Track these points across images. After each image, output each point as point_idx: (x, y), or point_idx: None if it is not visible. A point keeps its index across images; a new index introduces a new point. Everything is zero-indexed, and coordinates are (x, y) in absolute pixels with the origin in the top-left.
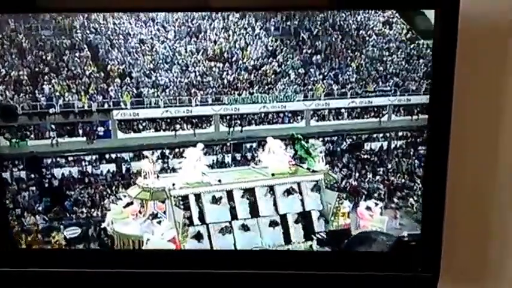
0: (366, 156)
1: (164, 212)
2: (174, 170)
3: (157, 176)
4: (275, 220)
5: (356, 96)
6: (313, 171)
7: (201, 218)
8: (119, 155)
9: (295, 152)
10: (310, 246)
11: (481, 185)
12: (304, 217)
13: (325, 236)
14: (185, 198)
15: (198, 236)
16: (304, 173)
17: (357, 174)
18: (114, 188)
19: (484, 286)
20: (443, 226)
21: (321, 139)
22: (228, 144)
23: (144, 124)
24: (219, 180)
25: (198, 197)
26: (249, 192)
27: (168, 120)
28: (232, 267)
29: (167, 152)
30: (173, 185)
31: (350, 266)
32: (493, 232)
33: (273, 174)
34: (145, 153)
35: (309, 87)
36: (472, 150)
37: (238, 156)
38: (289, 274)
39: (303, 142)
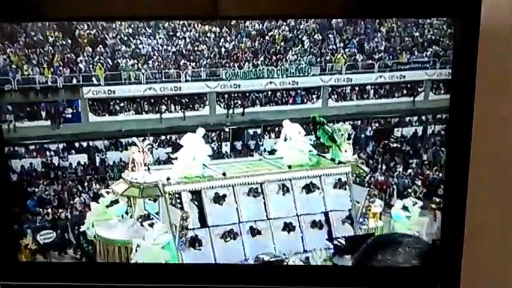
0: (395, 145)
1: (157, 213)
2: (169, 161)
3: (148, 169)
4: (290, 223)
5: (385, 69)
6: (339, 162)
7: (202, 219)
8: (91, 143)
9: (317, 138)
10: (333, 254)
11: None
12: (326, 219)
13: (345, 243)
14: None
15: (196, 242)
16: (327, 164)
17: (384, 167)
18: (86, 184)
19: None
20: (463, 242)
21: (348, 123)
22: (227, 130)
23: (122, 105)
24: (224, 174)
25: (197, 194)
26: (259, 189)
27: (152, 99)
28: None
29: (151, 139)
30: (168, 179)
31: (364, 280)
32: None
33: (289, 167)
34: (134, 140)
35: (327, 58)
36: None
37: (238, 145)
38: None
39: (326, 127)
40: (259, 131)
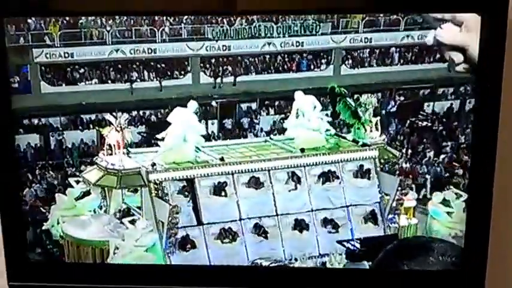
0: (425, 124)
1: (139, 207)
2: (154, 142)
3: (128, 152)
4: (303, 220)
5: (414, 26)
6: (363, 144)
7: (195, 215)
8: (44, 120)
9: (336, 114)
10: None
11: None
12: (345, 216)
13: (360, 246)
14: (171, 184)
15: (187, 243)
16: (349, 147)
17: (410, 152)
18: (38, 171)
19: None
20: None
21: (374, 96)
22: (214, 104)
23: (81, 71)
24: (221, 159)
25: (189, 183)
26: (265, 177)
27: (120, 65)
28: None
29: (124, 117)
30: (153, 165)
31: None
32: None
33: (302, 150)
34: (107, 117)
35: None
36: None
37: (228, 123)
38: None
39: (348, 100)
40: (254, 105)
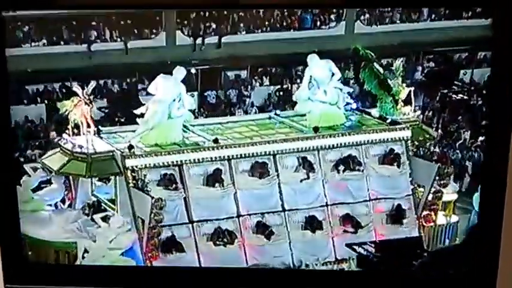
0: (460, 96)
1: (112, 200)
2: (130, 119)
3: (99, 131)
4: (316, 218)
5: None
6: (393, 122)
7: (183, 211)
8: None
9: (360, 83)
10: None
11: None
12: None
13: (375, 251)
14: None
15: (173, 246)
16: (374, 126)
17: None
18: None
19: None
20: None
21: (400, 60)
22: (193, 71)
23: (25, 29)
24: (215, 141)
25: (176, 171)
26: (269, 164)
27: (74, 21)
28: None
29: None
30: (130, 148)
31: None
32: None
33: (316, 129)
34: (74, 88)
35: None
36: None
37: (212, 96)
38: None
39: (376, 65)
40: (244, 73)
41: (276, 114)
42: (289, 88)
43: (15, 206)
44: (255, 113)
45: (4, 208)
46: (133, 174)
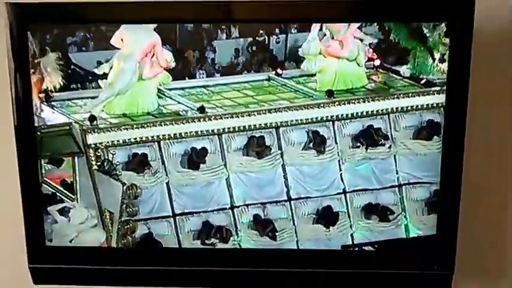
0: None
1: (69, 188)
2: (91, 78)
3: (48, 98)
4: (330, 208)
5: None
6: (427, 83)
7: (162, 201)
8: None
9: (385, 31)
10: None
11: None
12: (399, 199)
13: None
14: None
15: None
16: (404, 88)
17: None
18: None
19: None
20: (458, 221)
21: None
22: None
23: None
24: (201, 109)
25: (152, 149)
26: (271, 139)
27: None
28: None
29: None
30: (92, 120)
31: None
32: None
33: (329, 93)
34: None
35: None
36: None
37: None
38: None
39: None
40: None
41: (276, 74)
42: (267, 41)
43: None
44: (220, 75)
45: None
46: (97, 153)
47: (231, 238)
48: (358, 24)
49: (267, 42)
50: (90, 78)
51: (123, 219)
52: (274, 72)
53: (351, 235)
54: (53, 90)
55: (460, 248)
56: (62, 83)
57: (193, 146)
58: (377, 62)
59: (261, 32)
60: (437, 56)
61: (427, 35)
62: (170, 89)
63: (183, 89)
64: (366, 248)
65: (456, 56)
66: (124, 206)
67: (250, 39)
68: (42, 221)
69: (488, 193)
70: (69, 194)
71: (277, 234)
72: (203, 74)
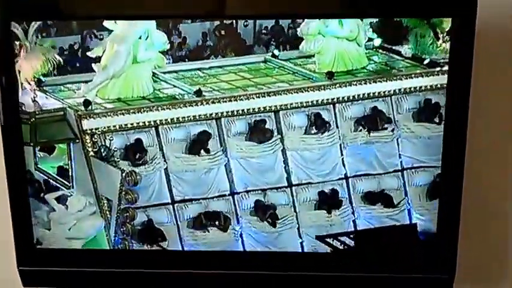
0: None
1: (64, 174)
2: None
3: (39, 83)
4: (333, 193)
5: None
6: (432, 64)
7: (160, 187)
8: None
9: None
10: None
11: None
12: (402, 185)
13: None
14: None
15: (150, 234)
16: (407, 69)
17: None
18: None
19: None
20: (459, 224)
21: None
22: None
23: None
24: (198, 93)
25: (149, 134)
26: (270, 123)
27: None
28: None
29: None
30: (87, 105)
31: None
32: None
33: (329, 75)
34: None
35: None
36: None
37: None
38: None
39: None
40: None
41: (273, 55)
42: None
43: None
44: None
45: None
46: (93, 139)
47: (230, 226)
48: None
49: (234, 26)
50: (82, 61)
51: (122, 206)
52: (270, 54)
53: (353, 221)
54: (45, 74)
55: (460, 251)
56: (52, 67)
57: (192, 131)
58: (377, 42)
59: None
60: (440, 34)
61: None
62: (165, 73)
63: (176, 72)
64: (341, 238)
65: (458, 36)
66: (123, 193)
67: (217, 22)
68: (31, 223)
69: (489, 191)
70: (65, 182)
71: (277, 221)
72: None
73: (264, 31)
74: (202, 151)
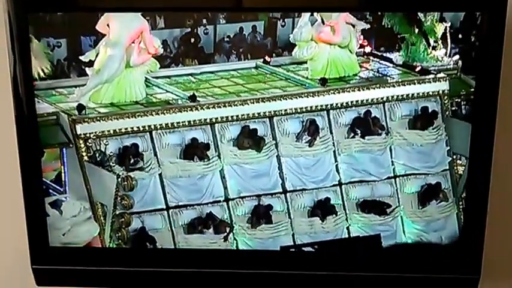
0: None
1: (58, 179)
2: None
3: (32, 86)
4: (327, 200)
5: None
6: (423, 71)
7: (155, 193)
8: None
9: (376, 16)
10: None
11: None
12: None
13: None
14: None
15: (144, 240)
16: (399, 76)
17: None
18: None
19: None
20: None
21: None
22: None
23: None
24: (192, 98)
25: (144, 139)
26: (265, 129)
27: None
28: None
29: None
30: (80, 109)
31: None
32: None
33: (323, 82)
34: None
35: None
36: None
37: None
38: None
39: None
40: None
41: (264, 62)
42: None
43: None
44: (236, 60)
45: None
46: (87, 144)
47: (226, 231)
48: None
49: (196, 32)
50: (74, 65)
51: (117, 212)
52: (262, 59)
53: (347, 228)
54: (36, 79)
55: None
56: (44, 71)
57: (186, 136)
58: (368, 49)
59: (189, 22)
60: (432, 42)
61: (422, 20)
62: (156, 78)
63: (168, 77)
64: (305, 248)
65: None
66: (118, 198)
67: (178, 30)
68: (46, 221)
69: None
70: (57, 187)
71: (271, 225)
72: None
73: (226, 39)
74: (196, 157)
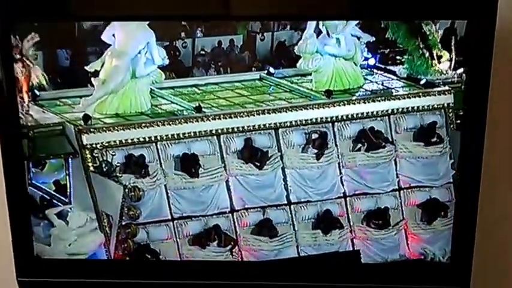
0: None
1: (62, 190)
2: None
3: (35, 97)
4: (330, 213)
5: None
6: (428, 85)
7: (159, 204)
8: None
9: (379, 28)
10: None
11: None
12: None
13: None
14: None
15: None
16: (404, 89)
17: None
18: None
19: None
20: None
21: None
22: None
23: None
24: (198, 109)
25: (149, 150)
26: (270, 141)
27: None
28: None
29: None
30: (86, 120)
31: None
32: None
33: (328, 93)
34: None
35: None
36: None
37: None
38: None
39: None
40: None
41: (268, 73)
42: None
43: None
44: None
45: None
46: (93, 154)
47: (231, 243)
48: (355, 22)
49: (174, 45)
50: (80, 76)
51: (123, 222)
52: (265, 71)
53: (351, 240)
54: (40, 88)
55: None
56: (48, 82)
57: (189, 148)
58: (372, 62)
59: (183, 34)
60: (436, 55)
61: (427, 33)
62: (161, 88)
63: (172, 88)
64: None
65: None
66: (125, 209)
67: (166, 43)
68: (31, 232)
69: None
70: (61, 197)
71: (276, 238)
72: None
73: (202, 52)
74: (200, 168)
